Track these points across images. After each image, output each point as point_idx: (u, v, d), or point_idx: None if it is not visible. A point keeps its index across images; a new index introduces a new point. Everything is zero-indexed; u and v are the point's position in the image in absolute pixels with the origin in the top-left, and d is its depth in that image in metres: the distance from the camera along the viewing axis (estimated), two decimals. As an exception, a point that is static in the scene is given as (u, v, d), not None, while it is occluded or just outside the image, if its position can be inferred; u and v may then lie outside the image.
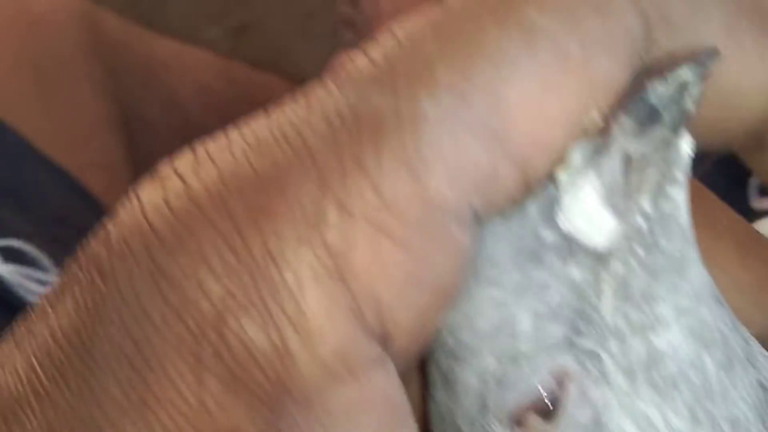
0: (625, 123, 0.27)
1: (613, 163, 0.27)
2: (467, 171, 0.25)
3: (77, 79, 0.88)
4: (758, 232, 0.31)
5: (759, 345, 0.30)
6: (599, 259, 0.27)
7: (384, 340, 0.25)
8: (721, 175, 0.37)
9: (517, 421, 0.27)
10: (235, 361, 0.25)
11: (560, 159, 0.26)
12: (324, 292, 0.24)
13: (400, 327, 0.25)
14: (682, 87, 0.27)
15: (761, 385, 0.29)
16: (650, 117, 0.27)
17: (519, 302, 0.27)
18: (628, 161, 0.27)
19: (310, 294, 0.24)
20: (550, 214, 0.27)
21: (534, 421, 0.27)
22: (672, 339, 0.28)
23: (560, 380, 0.27)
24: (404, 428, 0.26)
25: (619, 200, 0.27)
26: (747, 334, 0.29)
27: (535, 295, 0.27)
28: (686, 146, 0.27)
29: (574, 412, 0.27)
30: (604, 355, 0.28)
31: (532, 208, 0.27)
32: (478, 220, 0.26)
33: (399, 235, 0.25)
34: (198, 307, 0.25)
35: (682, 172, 0.27)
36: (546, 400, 0.27)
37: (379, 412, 0.25)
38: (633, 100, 0.27)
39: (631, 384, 0.28)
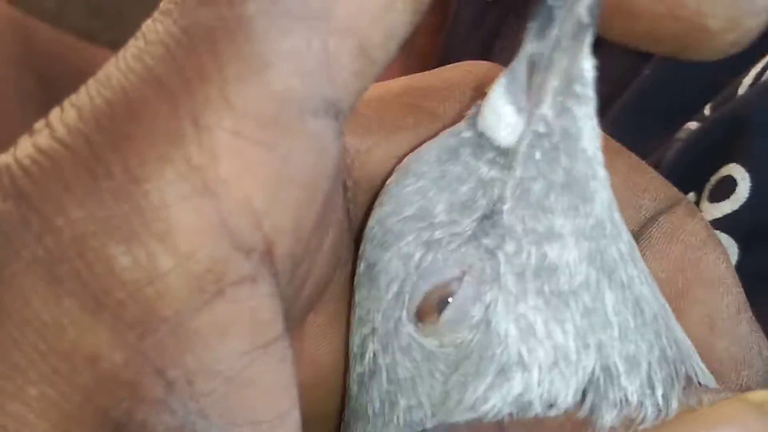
0: (530, 26, 0.28)
1: (520, 65, 0.28)
2: (304, 57, 0.26)
3: (7, 91, 0.87)
4: (620, 145, 0.34)
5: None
6: (505, 159, 0.29)
7: (266, 249, 0.25)
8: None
9: (420, 315, 0.28)
10: (98, 284, 0.24)
11: (399, 25, 0.26)
12: (192, 209, 0.24)
13: (279, 229, 0.25)
14: None
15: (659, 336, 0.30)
16: (548, 17, 0.28)
17: (437, 192, 0.29)
18: (531, 63, 0.28)
19: (177, 212, 0.24)
20: (473, 116, 0.30)
21: (432, 317, 0.28)
22: (567, 256, 0.28)
23: (462, 273, 0.28)
24: (275, 347, 0.26)
25: (522, 100, 0.28)
26: (657, 291, 0.30)
27: (450, 186, 0.29)
28: (587, 64, 0.28)
29: (467, 308, 0.28)
30: (500, 255, 0.29)
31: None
32: (338, 110, 0.26)
33: (258, 137, 0.25)
34: (57, 229, 0.24)
35: (583, 89, 0.29)
36: (449, 290, 0.28)
37: (248, 331, 0.25)
38: (537, 3, 0.28)
39: (521, 288, 0.28)
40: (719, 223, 0.52)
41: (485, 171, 0.29)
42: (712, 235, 0.34)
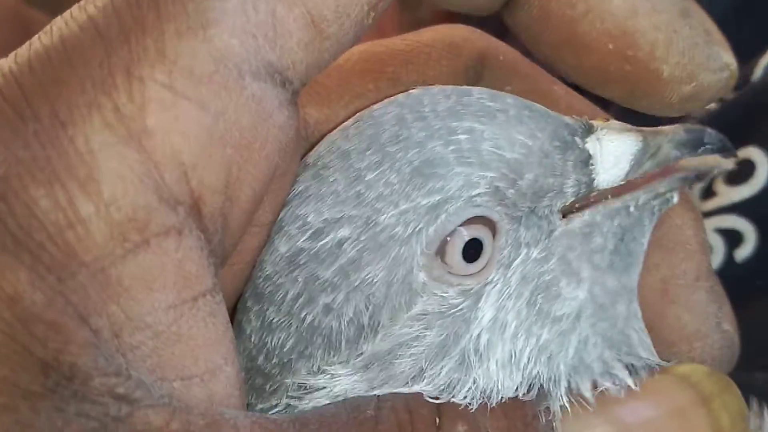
0: (678, 135, 0.30)
1: (653, 144, 0.30)
2: (249, 19, 0.25)
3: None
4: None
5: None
6: (588, 189, 0.30)
7: (193, 203, 0.25)
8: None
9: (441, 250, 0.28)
10: (18, 225, 0.24)
11: (352, 3, 0.26)
12: (116, 157, 0.24)
13: (207, 185, 0.25)
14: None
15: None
16: (695, 144, 0.30)
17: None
18: (656, 148, 0.30)
19: (101, 158, 0.24)
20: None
21: (458, 260, 0.28)
22: (574, 294, 0.29)
23: (493, 231, 0.29)
24: (203, 301, 0.25)
25: (637, 167, 0.30)
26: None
27: (540, 163, 0.30)
28: (676, 198, 0.31)
29: (479, 260, 0.29)
30: (523, 251, 0.29)
31: None
32: (284, 79, 0.26)
33: (191, 93, 0.25)
34: None
35: (660, 209, 0.31)
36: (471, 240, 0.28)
37: (174, 283, 0.25)
38: (692, 130, 0.30)
39: (519, 289, 0.29)
40: (737, 208, 0.50)
41: (570, 180, 0.30)
42: (685, 201, 0.33)
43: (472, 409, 0.27)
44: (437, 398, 0.27)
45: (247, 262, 0.30)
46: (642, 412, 0.28)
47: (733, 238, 0.51)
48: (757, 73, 0.53)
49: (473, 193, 0.28)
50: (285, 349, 0.29)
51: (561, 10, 0.28)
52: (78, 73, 0.24)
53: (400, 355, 0.28)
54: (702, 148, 0.30)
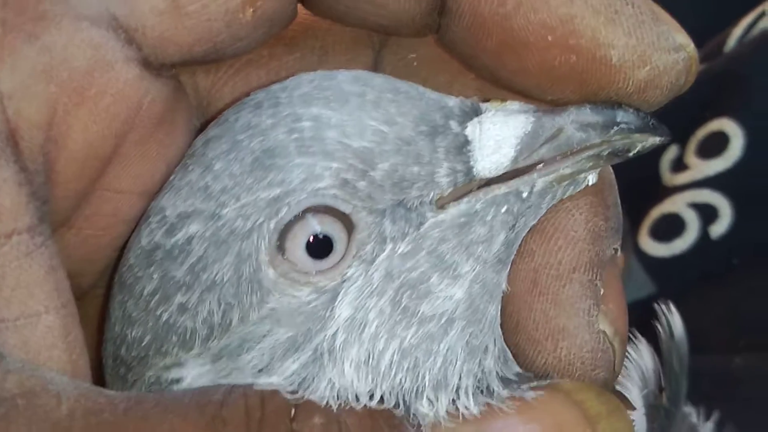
0: (590, 114, 0.27)
1: (548, 125, 0.27)
2: None
3: None
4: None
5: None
6: (467, 178, 0.27)
7: (9, 134, 0.24)
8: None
9: (282, 244, 0.26)
10: None
11: None
12: None
13: (25, 118, 0.25)
14: (630, 138, 0.27)
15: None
16: (605, 125, 0.27)
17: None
18: (556, 132, 0.27)
19: None
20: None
21: (302, 256, 0.26)
22: (450, 293, 0.27)
23: (350, 227, 0.27)
24: (18, 239, 0.24)
25: (524, 154, 0.27)
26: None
27: (407, 152, 0.27)
28: (589, 180, 0.28)
29: (329, 259, 0.26)
30: (388, 246, 0.27)
31: None
32: (129, 36, 0.26)
33: (20, 26, 0.25)
34: None
35: (566, 192, 0.28)
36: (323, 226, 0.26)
37: None
38: (602, 109, 0.27)
39: (382, 286, 0.27)
40: (712, 182, 0.49)
41: (442, 169, 0.27)
42: (584, 191, 0.29)
43: (331, 408, 0.25)
44: (295, 392, 0.26)
45: (103, 230, 0.28)
46: (518, 428, 0.26)
47: (707, 214, 0.50)
48: (730, 43, 0.52)
49: (318, 186, 0.26)
50: (143, 344, 0.27)
51: (493, 10, 0.27)
52: None
53: (248, 348, 0.26)
54: (615, 128, 0.27)
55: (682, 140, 0.52)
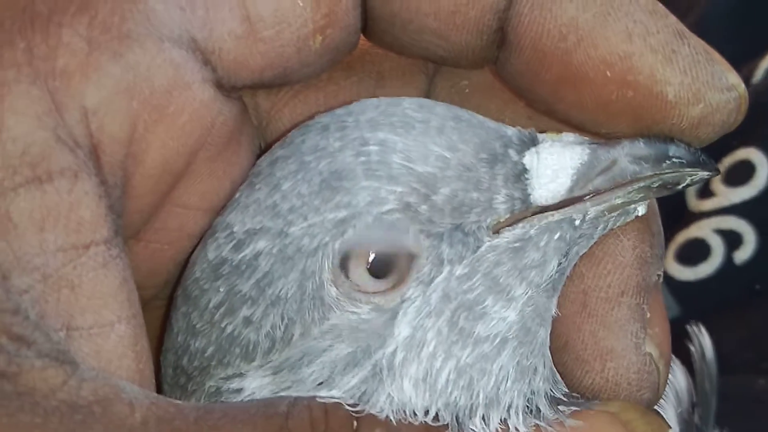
0: (636, 147, 0.28)
1: (603, 158, 0.28)
2: None
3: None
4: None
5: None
6: (523, 205, 0.28)
7: (92, 148, 0.25)
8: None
9: (345, 264, 0.27)
10: None
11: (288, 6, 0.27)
12: (20, 93, 0.24)
13: (108, 133, 0.25)
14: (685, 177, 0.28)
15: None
16: (657, 159, 0.28)
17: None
18: (611, 163, 0.28)
19: (5, 93, 0.24)
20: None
21: (364, 277, 0.27)
22: (504, 315, 0.28)
23: (413, 253, 0.27)
24: (96, 251, 0.25)
25: (579, 185, 0.28)
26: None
27: (462, 175, 0.28)
28: (639, 212, 0.29)
29: (391, 279, 0.27)
30: (445, 269, 0.28)
31: None
32: (206, 58, 0.26)
33: (105, 45, 0.25)
34: None
35: (616, 223, 0.29)
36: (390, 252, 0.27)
37: (66, 226, 0.24)
38: (655, 143, 0.28)
39: (440, 307, 0.28)
40: (737, 209, 0.50)
41: (500, 195, 0.28)
42: (643, 222, 0.30)
43: (391, 421, 0.26)
44: (355, 406, 0.26)
45: (168, 244, 0.29)
46: None
47: (732, 240, 0.51)
48: (758, 75, 0.53)
49: (383, 210, 0.27)
50: (206, 355, 0.28)
51: (553, 45, 0.27)
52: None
53: (309, 362, 0.27)
54: (667, 162, 0.28)
55: (707, 179, 0.53)
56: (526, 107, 0.30)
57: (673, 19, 0.28)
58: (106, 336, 0.25)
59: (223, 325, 0.28)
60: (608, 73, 0.27)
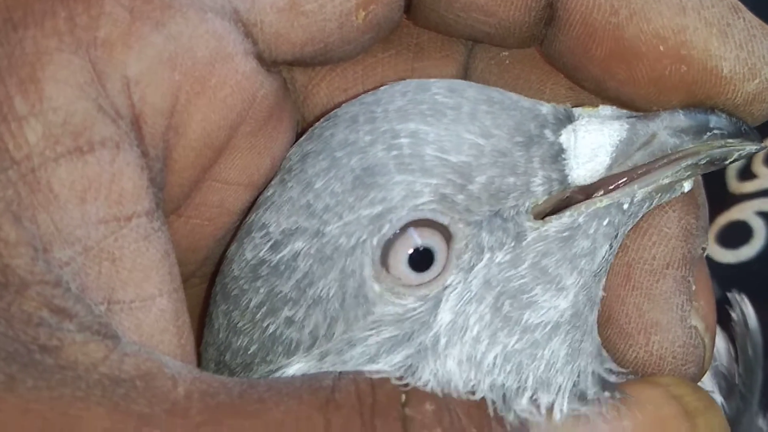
0: (676, 119, 0.27)
1: (642, 132, 0.28)
2: None
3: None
4: None
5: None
6: (561, 186, 0.27)
7: (133, 118, 0.25)
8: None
9: (386, 257, 0.27)
10: None
11: None
12: (61, 62, 0.24)
13: (149, 104, 0.25)
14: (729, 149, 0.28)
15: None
16: (698, 130, 0.27)
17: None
18: (650, 138, 0.27)
19: (46, 62, 0.24)
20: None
21: (405, 270, 0.27)
22: (555, 303, 0.27)
23: (447, 237, 0.27)
24: (137, 222, 0.25)
25: (619, 161, 0.27)
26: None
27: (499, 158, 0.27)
28: (685, 187, 0.28)
29: (431, 269, 0.27)
30: (486, 256, 0.27)
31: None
32: (248, 30, 0.26)
33: (147, 14, 0.25)
34: None
35: (661, 199, 0.28)
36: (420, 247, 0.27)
37: (107, 197, 0.24)
38: (695, 113, 0.27)
39: (481, 293, 0.27)
40: None
41: (537, 178, 0.27)
42: (688, 194, 0.29)
43: (440, 396, 0.26)
44: (401, 379, 0.26)
45: (209, 220, 0.29)
46: (622, 423, 0.26)
47: (775, 222, 0.50)
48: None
49: (418, 203, 0.26)
50: (249, 353, 0.28)
51: (604, 20, 0.27)
52: None
53: (353, 346, 0.27)
54: (708, 134, 0.27)
55: (755, 152, 0.53)
56: (566, 77, 0.30)
57: None
58: (148, 310, 0.25)
59: (265, 325, 0.27)
60: (661, 48, 0.26)
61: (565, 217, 0.27)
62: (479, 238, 0.27)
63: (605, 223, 0.28)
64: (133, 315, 0.24)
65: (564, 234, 0.27)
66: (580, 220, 0.27)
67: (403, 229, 0.27)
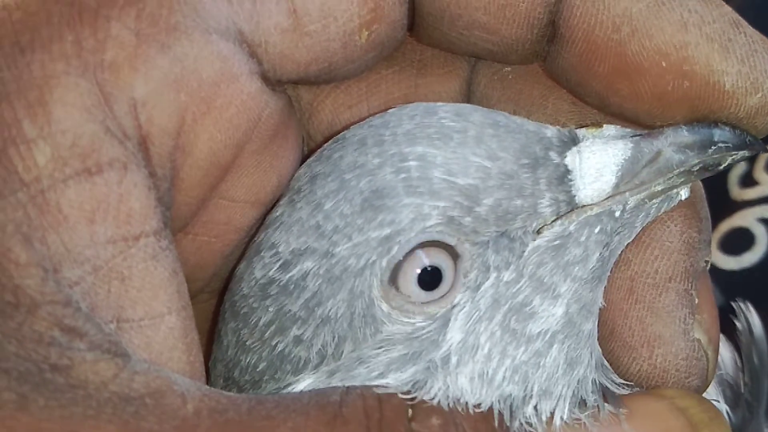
0: (680, 136, 0.28)
1: (646, 150, 0.28)
2: None
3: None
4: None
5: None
6: (567, 206, 0.28)
7: (141, 140, 0.25)
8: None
9: (395, 277, 0.27)
10: None
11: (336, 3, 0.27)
12: (69, 85, 0.24)
13: (156, 125, 0.25)
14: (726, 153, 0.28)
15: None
16: (702, 145, 0.28)
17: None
18: (655, 155, 0.28)
19: (54, 86, 0.24)
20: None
21: (414, 290, 0.27)
22: (553, 311, 0.28)
23: (455, 257, 0.27)
24: (146, 242, 0.25)
25: (624, 180, 0.28)
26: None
27: (503, 184, 0.28)
28: (682, 196, 0.29)
29: (439, 288, 0.27)
30: (492, 275, 0.27)
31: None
32: (252, 50, 0.26)
33: (153, 37, 0.25)
34: None
35: (657, 211, 0.29)
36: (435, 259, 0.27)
37: (115, 217, 0.24)
38: (698, 128, 0.28)
39: (490, 312, 0.27)
40: None
41: (544, 199, 0.28)
42: (678, 204, 0.29)
43: (446, 410, 0.26)
44: (408, 394, 0.26)
45: (216, 237, 0.29)
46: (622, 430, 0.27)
47: (776, 229, 0.50)
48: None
49: (426, 225, 0.27)
50: (257, 370, 0.28)
51: (607, 36, 0.27)
52: (47, 7, 0.25)
53: (362, 364, 0.27)
54: (713, 148, 0.27)
55: (750, 156, 0.53)
56: (569, 93, 0.30)
57: (728, 8, 0.27)
58: (157, 328, 0.25)
59: (273, 343, 0.28)
60: (664, 64, 0.27)
61: (557, 226, 0.28)
62: (485, 258, 0.27)
63: (596, 230, 0.28)
64: (143, 333, 0.25)
65: (555, 243, 0.28)
66: (571, 228, 0.28)
67: (412, 250, 0.27)
